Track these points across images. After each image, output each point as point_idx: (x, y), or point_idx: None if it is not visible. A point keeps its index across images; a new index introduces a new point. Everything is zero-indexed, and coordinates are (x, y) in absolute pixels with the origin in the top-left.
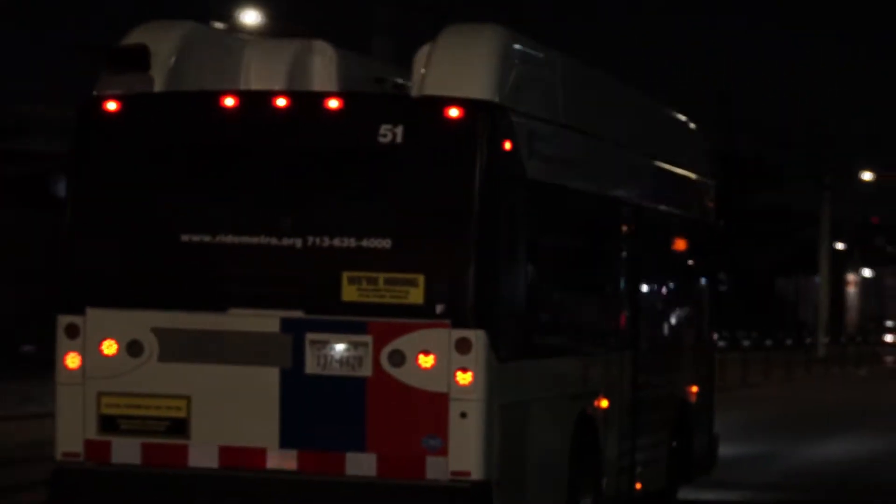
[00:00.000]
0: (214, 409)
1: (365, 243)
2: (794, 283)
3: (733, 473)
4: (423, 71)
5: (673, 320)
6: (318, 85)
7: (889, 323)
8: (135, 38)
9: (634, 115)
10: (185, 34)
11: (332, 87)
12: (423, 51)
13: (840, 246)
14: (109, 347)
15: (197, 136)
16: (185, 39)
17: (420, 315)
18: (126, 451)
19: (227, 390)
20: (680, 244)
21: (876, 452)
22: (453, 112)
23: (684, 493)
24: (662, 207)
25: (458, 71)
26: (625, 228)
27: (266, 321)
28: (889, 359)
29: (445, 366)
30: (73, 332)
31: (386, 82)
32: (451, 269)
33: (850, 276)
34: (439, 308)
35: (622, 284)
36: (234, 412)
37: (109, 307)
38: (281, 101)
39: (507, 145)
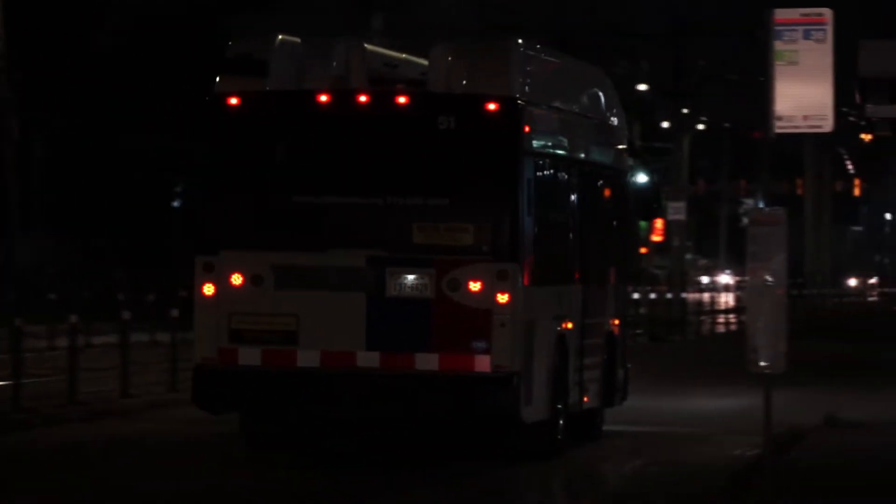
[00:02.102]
0: (317, 323)
1: (429, 202)
2: None
3: None
4: (458, 71)
5: (603, 260)
6: (353, 75)
7: None
8: (239, 47)
9: (579, 82)
10: (273, 43)
11: (363, 77)
12: (442, 50)
13: None
14: (237, 279)
15: (300, 123)
16: (274, 47)
17: (470, 253)
18: (249, 355)
19: (326, 310)
20: (607, 191)
21: None
22: (491, 106)
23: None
24: (596, 161)
25: (490, 74)
26: (578, 183)
27: (356, 258)
28: None
29: (489, 289)
30: (209, 268)
31: (397, 66)
32: (493, 219)
33: None
34: (484, 248)
35: (576, 228)
36: (332, 326)
37: (238, 249)
38: (363, 98)
39: (526, 129)
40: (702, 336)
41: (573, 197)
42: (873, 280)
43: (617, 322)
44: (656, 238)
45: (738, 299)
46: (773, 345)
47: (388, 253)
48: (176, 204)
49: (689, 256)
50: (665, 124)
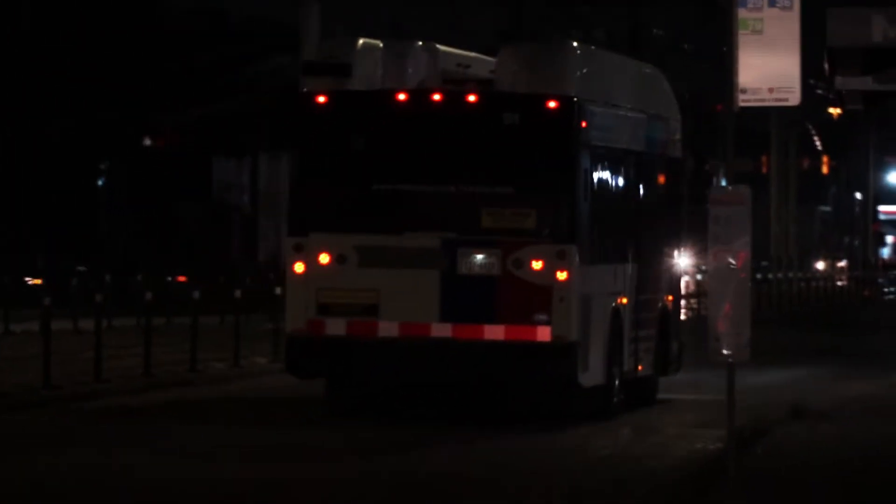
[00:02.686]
0: (395, 298)
1: (496, 190)
2: (248, 177)
3: None
4: (522, 72)
5: (656, 242)
6: (427, 75)
7: None
8: (326, 48)
9: (632, 79)
10: (355, 46)
11: (437, 77)
12: (508, 53)
13: None
14: (324, 258)
15: (381, 119)
16: (357, 50)
17: (533, 235)
18: (335, 326)
19: (404, 285)
20: (661, 178)
21: None
22: (551, 104)
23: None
24: (651, 151)
25: (551, 75)
26: (633, 171)
27: (430, 240)
28: None
29: (550, 268)
30: (299, 248)
31: (469, 67)
32: (553, 205)
33: None
34: (545, 231)
35: (630, 213)
36: (409, 300)
37: (325, 231)
38: (437, 97)
39: (583, 124)
40: None
41: (627, 184)
42: (842, 263)
43: (671, 298)
44: None
45: (697, 283)
46: (736, 332)
47: (459, 235)
48: (101, 182)
49: None
50: None
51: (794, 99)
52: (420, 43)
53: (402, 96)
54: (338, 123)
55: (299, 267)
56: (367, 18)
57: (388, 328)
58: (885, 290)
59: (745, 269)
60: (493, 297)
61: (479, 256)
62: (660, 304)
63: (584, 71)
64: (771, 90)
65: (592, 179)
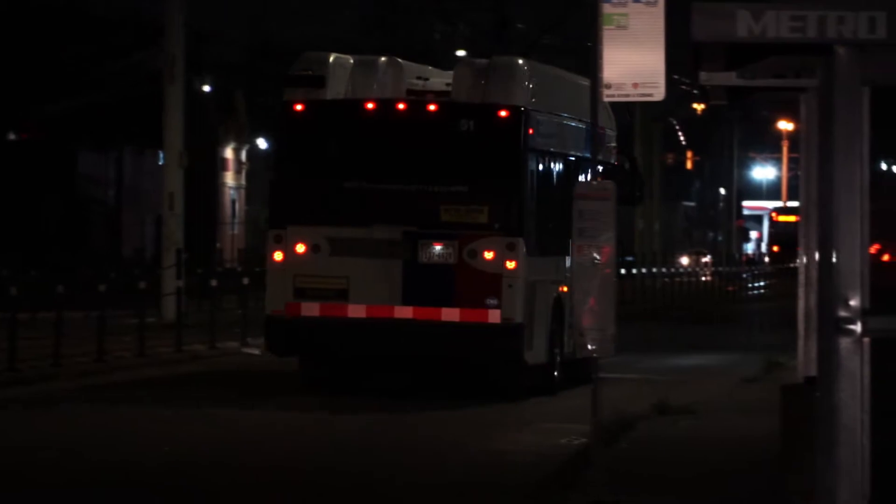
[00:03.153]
0: (363, 283)
1: (453, 188)
2: (113, 171)
3: None
4: (476, 84)
5: None
6: (392, 87)
7: None
8: (302, 65)
9: (572, 92)
10: (331, 60)
11: (401, 89)
12: (464, 67)
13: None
14: (301, 248)
15: (351, 125)
16: (330, 64)
17: (485, 229)
18: (310, 308)
19: (370, 272)
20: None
21: None
22: (502, 113)
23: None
24: (588, 156)
25: (501, 87)
26: (573, 174)
27: (394, 232)
28: None
29: (500, 258)
30: (279, 239)
31: (427, 80)
32: (503, 202)
33: (229, 153)
34: (496, 225)
35: (571, 210)
36: (375, 285)
37: (301, 224)
38: (401, 106)
39: (531, 131)
40: None
41: (569, 185)
42: (706, 259)
43: None
44: None
45: None
46: (600, 327)
47: (420, 228)
48: None
49: None
50: None
51: (658, 94)
52: (384, 59)
53: (370, 105)
54: (313, 129)
55: (278, 256)
56: (229, 12)
57: (356, 310)
58: (749, 285)
59: (610, 264)
60: (450, 283)
61: (438, 247)
62: None
63: (531, 84)
64: (635, 85)
65: (538, 180)
